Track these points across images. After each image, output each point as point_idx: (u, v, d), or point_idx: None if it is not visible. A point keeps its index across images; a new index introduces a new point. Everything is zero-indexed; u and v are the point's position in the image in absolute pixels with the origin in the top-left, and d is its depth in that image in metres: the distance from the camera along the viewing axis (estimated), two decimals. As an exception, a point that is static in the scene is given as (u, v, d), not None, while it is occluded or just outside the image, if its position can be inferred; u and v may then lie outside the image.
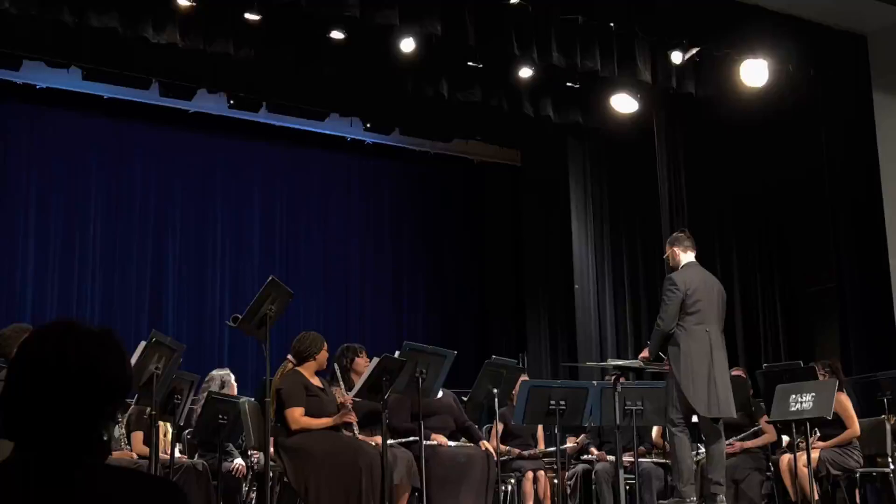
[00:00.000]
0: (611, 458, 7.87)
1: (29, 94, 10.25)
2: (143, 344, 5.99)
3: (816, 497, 6.92)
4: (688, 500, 5.92)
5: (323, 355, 6.41)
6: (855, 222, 10.04)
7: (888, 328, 9.30)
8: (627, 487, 7.39)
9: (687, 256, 6.48)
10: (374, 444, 6.38)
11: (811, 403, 6.55)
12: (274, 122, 11.32)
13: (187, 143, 11.28)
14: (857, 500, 7.39)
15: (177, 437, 7.00)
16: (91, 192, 10.79)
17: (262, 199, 11.78)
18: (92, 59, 9.54)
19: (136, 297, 10.82)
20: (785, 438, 7.84)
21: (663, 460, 8.19)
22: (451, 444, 7.06)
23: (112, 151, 10.95)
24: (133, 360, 5.94)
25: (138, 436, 6.92)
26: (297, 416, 6.13)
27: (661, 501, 6.35)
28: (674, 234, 6.77)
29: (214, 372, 7.70)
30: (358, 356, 6.78)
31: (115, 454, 6.83)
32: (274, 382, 6.26)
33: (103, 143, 10.90)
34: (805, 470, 6.83)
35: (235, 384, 7.55)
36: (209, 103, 10.75)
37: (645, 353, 6.64)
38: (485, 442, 7.27)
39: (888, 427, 7.34)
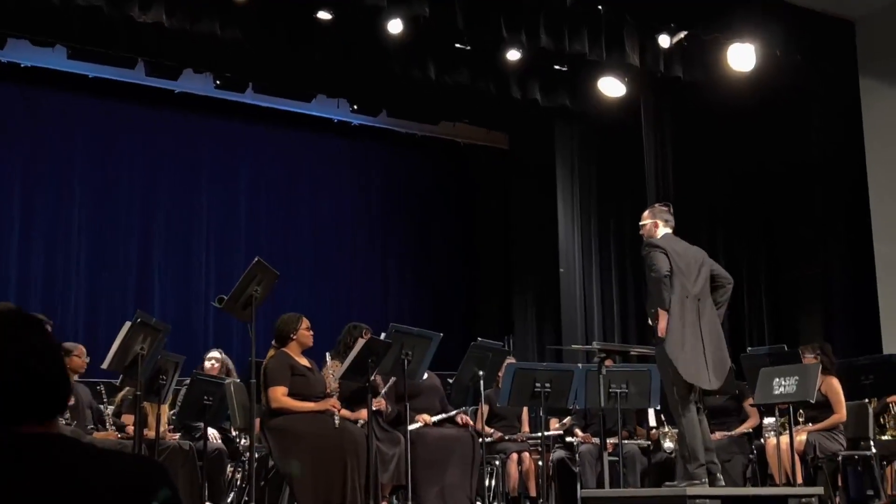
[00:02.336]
0: (595, 440, 7.90)
1: (13, 72, 10.18)
2: (128, 324, 5.99)
3: (800, 480, 6.96)
4: (699, 482, 5.88)
5: (303, 333, 6.40)
6: (841, 208, 10.08)
7: (872, 313, 9.35)
8: (611, 470, 7.43)
9: (664, 230, 6.40)
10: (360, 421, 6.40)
11: (795, 387, 6.58)
12: (260, 102, 11.28)
13: (173, 124, 11.22)
14: (840, 482, 7.43)
15: (169, 421, 7.00)
16: (76, 172, 10.74)
17: (249, 179, 11.74)
18: (77, 38, 9.48)
19: (121, 277, 10.79)
20: (766, 421, 7.88)
21: (647, 443, 8.24)
22: (435, 419, 7.08)
23: (97, 131, 10.89)
24: (118, 341, 5.94)
25: (130, 418, 6.91)
26: (278, 395, 6.13)
27: (667, 483, 6.32)
28: (656, 205, 6.64)
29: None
30: (362, 337, 6.78)
31: (99, 434, 6.82)
32: (263, 364, 6.27)
33: (89, 123, 10.84)
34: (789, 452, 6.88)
35: (215, 364, 7.53)
36: (195, 83, 10.70)
37: (662, 321, 6.12)
38: (464, 416, 7.29)
39: (871, 411, 7.39)
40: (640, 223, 6.56)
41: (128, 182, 11.01)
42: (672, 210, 6.51)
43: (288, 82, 10.81)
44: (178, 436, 7.13)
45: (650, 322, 6.30)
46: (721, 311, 6.34)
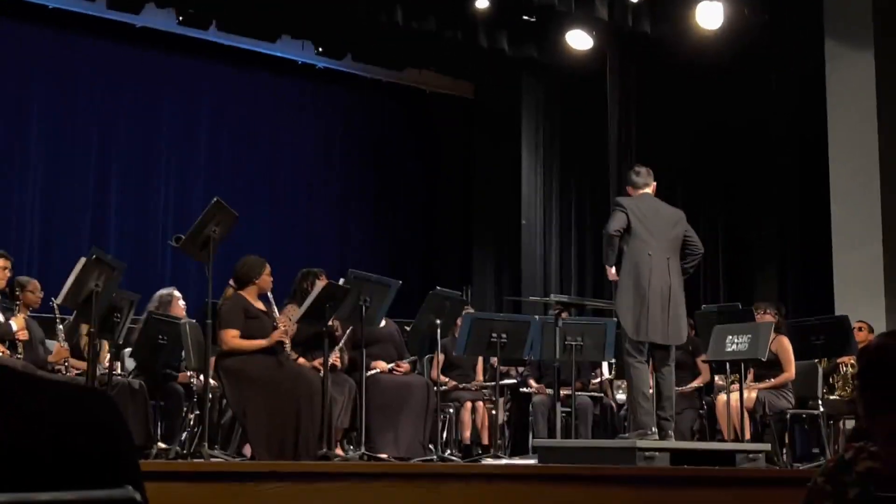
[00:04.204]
0: (549, 391, 7.98)
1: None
2: (83, 260, 5.92)
3: (748, 436, 7.08)
4: (648, 431, 5.95)
5: (265, 279, 6.36)
6: (800, 169, 10.16)
7: (826, 274, 9.47)
8: (563, 420, 7.51)
9: (641, 192, 6.43)
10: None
11: (747, 345, 6.67)
12: (224, 41, 11.10)
13: (134, 59, 11.02)
14: (787, 440, 7.57)
15: (116, 356, 6.94)
16: (33, 105, 10.53)
17: (209, 119, 11.58)
18: (37, -33, 9.27)
19: (77, 214, 10.64)
20: (717, 379, 8.00)
21: (599, 394, 8.35)
22: (390, 366, 7.09)
23: (56, 64, 10.67)
24: (72, 277, 5.87)
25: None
26: (228, 337, 6.10)
27: (622, 435, 6.39)
28: (632, 170, 6.68)
29: (159, 291, 7.63)
30: (318, 279, 6.76)
31: (52, 358, 6.74)
32: (219, 305, 6.23)
33: (47, 55, 10.61)
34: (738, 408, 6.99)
35: (183, 304, 7.46)
36: (157, 18, 10.51)
37: (610, 272, 6.41)
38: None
39: (820, 371, 7.51)
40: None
41: (85, 117, 10.82)
42: (639, 170, 6.49)
43: (252, 21, 10.64)
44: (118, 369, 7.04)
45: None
46: (683, 278, 6.40)
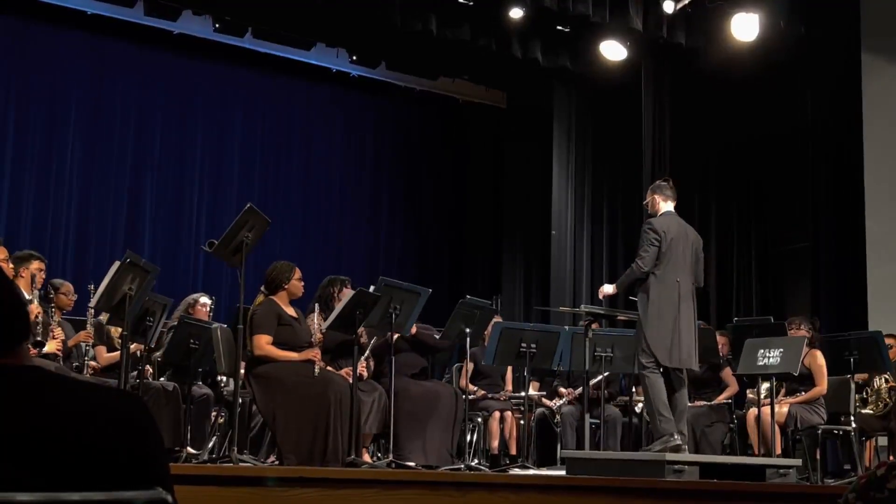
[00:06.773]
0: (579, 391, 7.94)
1: (9, 6, 10.05)
2: (117, 264, 5.97)
3: (779, 451, 7.02)
4: (672, 438, 5.93)
5: (294, 284, 6.39)
6: (835, 183, 10.07)
7: (860, 289, 9.38)
8: (592, 432, 7.48)
9: (666, 206, 6.44)
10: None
11: (779, 359, 6.62)
12: (259, 48, 11.18)
13: (170, 66, 11.11)
14: (818, 455, 7.50)
15: (147, 360, 6.98)
16: (70, 111, 10.64)
17: (243, 125, 11.65)
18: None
19: (112, 218, 10.74)
20: (748, 393, 7.93)
21: (632, 402, 8.30)
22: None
23: (93, 69, 10.78)
24: (106, 280, 5.92)
25: (102, 350, 6.89)
26: (262, 343, 6.12)
27: (647, 447, 6.37)
28: (657, 182, 6.69)
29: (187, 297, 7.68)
30: (346, 287, 6.78)
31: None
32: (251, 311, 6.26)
33: (85, 60, 10.72)
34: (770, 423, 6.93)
35: (207, 308, 7.50)
36: (194, 25, 10.60)
37: (610, 289, 6.59)
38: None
39: (853, 387, 7.43)
40: (644, 202, 6.64)
41: (121, 122, 10.92)
42: (671, 184, 6.52)
43: (288, 29, 10.71)
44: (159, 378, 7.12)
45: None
46: None
